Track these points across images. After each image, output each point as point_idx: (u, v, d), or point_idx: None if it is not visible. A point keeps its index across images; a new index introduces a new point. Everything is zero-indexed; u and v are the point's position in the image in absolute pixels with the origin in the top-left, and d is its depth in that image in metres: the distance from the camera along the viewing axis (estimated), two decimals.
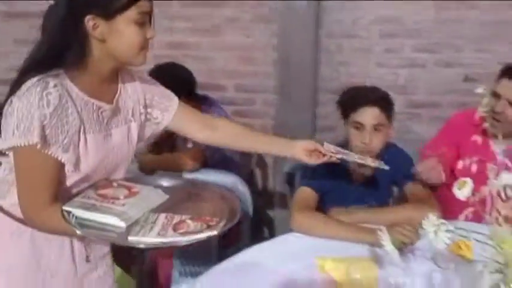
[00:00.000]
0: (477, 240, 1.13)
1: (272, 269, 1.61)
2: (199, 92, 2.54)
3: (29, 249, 1.44)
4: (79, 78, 1.36)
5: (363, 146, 1.92)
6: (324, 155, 1.68)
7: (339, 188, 2.00)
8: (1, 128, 1.32)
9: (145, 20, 1.35)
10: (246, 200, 2.10)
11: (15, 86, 1.31)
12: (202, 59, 3.01)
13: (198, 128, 1.68)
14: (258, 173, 3.13)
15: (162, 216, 1.30)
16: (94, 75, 1.38)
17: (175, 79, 2.26)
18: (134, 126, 1.52)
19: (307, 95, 2.98)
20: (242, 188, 2.11)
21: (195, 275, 2.21)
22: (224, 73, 3.05)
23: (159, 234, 1.22)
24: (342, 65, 2.96)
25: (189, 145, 2.38)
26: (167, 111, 1.61)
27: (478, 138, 1.56)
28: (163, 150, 2.48)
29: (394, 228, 1.64)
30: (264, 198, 3.08)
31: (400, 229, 1.63)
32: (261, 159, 3.06)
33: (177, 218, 1.28)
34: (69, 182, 1.39)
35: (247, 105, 3.09)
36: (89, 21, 1.29)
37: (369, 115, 1.92)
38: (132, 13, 1.31)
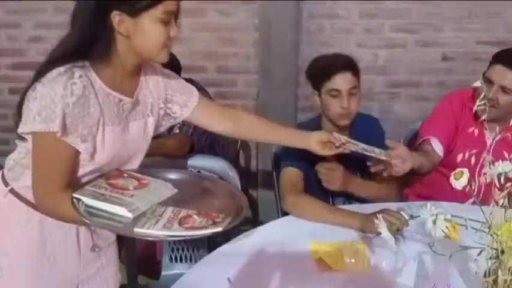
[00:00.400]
0: (474, 228, 1.17)
1: (266, 254, 1.65)
2: (183, 75, 2.53)
3: (36, 233, 1.47)
4: (103, 71, 1.38)
5: (342, 110, 2.02)
6: (338, 147, 1.75)
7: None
8: (22, 112, 1.34)
9: (170, 18, 1.35)
10: (236, 185, 2.12)
11: (40, 73, 1.33)
12: (183, 40, 2.97)
13: (218, 122, 1.72)
14: (241, 154, 3.14)
15: (169, 209, 1.31)
16: (118, 68, 1.41)
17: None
18: (151, 121, 1.55)
19: (288, 76, 2.99)
20: (231, 173, 2.13)
21: (185, 260, 2.24)
22: (205, 55, 3.03)
23: (164, 227, 1.23)
24: (322, 45, 2.96)
25: (176, 130, 2.38)
26: (186, 106, 1.65)
27: (475, 131, 1.61)
28: None
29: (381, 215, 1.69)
30: (247, 179, 3.10)
31: (387, 216, 1.67)
32: (244, 141, 3.07)
33: (183, 212, 1.29)
34: (82, 171, 1.42)
35: (229, 87, 3.09)
36: (115, 16, 1.32)
37: (343, 81, 2.01)
38: (157, 12, 1.32)
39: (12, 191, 1.47)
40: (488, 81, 2.07)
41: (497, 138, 1.16)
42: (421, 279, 1.50)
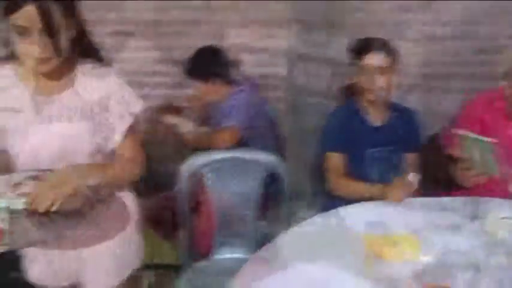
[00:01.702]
0: None
1: (320, 247, 1.73)
2: None
3: None
4: (20, 71, 1.51)
5: (371, 85, 2.23)
6: None
7: (357, 138, 2.32)
8: None
9: (24, 32, 1.37)
10: (283, 180, 2.26)
11: None
12: None
13: None
14: None
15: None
16: (31, 70, 1.48)
17: (215, 64, 2.40)
18: (84, 125, 1.55)
19: None
20: (281, 170, 2.26)
21: (233, 244, 2.36)
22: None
23: None
24: None
25: (228, 123, 2.52)
26: (123, 118, 1.61)
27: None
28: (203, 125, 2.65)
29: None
30: None
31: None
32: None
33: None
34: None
35: None
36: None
37: (375, 59, 2.22)
38: (10, 21, 1.37)
39: None
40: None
41: None
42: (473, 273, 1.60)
